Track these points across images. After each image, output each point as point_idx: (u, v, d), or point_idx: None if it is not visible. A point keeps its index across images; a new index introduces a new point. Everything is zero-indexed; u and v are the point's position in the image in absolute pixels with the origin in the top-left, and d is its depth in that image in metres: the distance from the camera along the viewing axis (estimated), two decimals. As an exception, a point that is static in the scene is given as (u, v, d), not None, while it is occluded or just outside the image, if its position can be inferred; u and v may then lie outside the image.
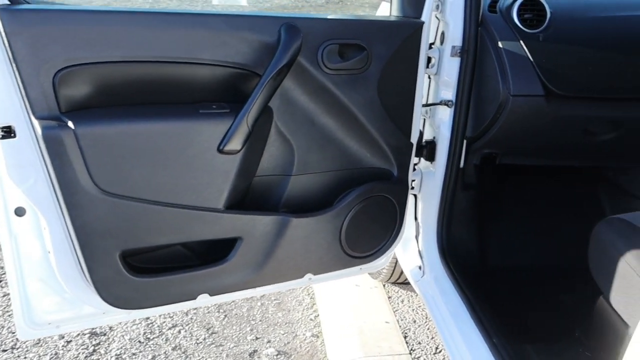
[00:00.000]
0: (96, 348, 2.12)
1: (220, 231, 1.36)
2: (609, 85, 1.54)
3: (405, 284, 2.58)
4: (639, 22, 1.59)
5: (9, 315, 2.27)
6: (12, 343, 2.12)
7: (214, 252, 1.42)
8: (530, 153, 1.83)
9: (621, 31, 1.57)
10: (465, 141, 1.74)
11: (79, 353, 2.09)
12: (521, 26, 1.58)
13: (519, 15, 1.59)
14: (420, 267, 1.83)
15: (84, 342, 2.15)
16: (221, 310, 2.38)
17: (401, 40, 1.48)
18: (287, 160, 1.48)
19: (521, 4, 1.59)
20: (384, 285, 2.58)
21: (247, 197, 1.44)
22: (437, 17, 1.64)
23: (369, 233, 1.60)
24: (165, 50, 1.22)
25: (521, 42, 1.56)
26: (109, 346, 2.13)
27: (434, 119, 1.77)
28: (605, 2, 1.69)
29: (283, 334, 2.26)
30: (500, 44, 1.56)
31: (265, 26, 1.30)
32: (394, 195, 1.62)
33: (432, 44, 1.69)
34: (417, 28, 1.49)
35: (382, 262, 1.72)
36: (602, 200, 2.08)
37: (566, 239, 2.02)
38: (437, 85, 1.73)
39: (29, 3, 1.16)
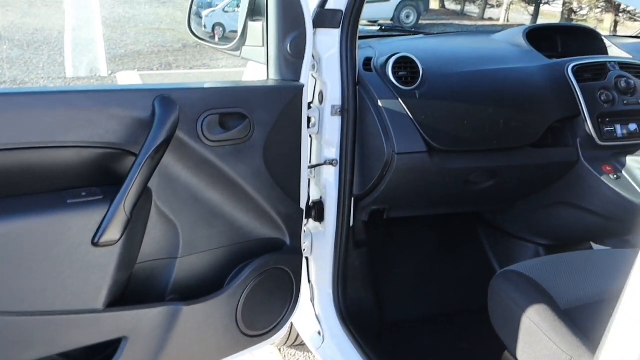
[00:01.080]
0: None
1: (102, 334, 1.19)
2: (483, 138, 1.60)
3: (301, 345, 2.48)
4: (502, 75, 1.68)
5: None
6: None
7: (96, 356, 1.24)
8: (416, 205, 1.86)
9: (488, 84, 1.65)
10: (352, 199, 1.72)
11: None
12: (397, 84, 1.60)
13: (394, 73, 1.61)
14: (319, 333, 1.75)
15: None
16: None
17: (283, 105, 1.43)
18: (171, 242, 1.35)
19: (395, 62, 1.61)
20: (280, 350, 2.46)
21: (128, 289, 1.28)
22: (313, 77, 1.62)
23: (266, 309, 1.50)
24: (21, 135, 1.06)
25: (399, 100, 1.57)
26: None
27: (319, 178, 1.73)
28: (471, 56, 1.77)
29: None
30: (380, 103, 1.57)
31: (137, 100, 1.19)
32: (289, 265, 1.54)
33: (311, 103, 1.66)
34: (297, 92, 1.45)
35: (281, 334, 1.63)
36: (483, 241, 2.16)
37: (456, 283, 2.07)
38: (320, 145, 1.69)
39: None
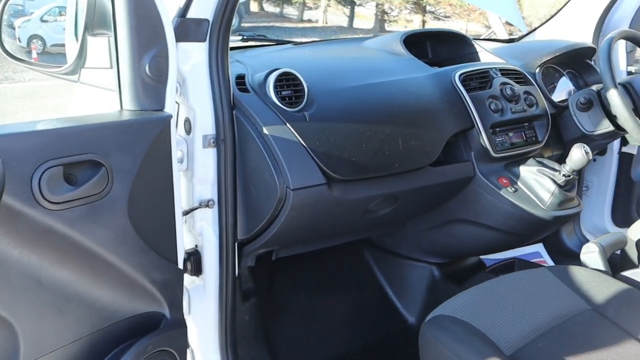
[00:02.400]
0: None
1: None
2: (384, 162, 1.40)
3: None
4: (393, 88, 1.50)
5: None
6: None
7: None
8: (309, 241, 1.62)
9: (381, 99, 1.46)
10: (236, 244, 1.43)
11: None
12: (282, 105, 1.34)
13: (276, 93, 1.35)
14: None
15: None
16: None
17: (148, 143, 1.10)
18: (8, 347, 0.96)
19: (276, 80, 1.35)
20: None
21: None
22: (176, 102, 1.30)
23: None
24: None
25: (288, 125, 1.32)
26: None
27: (194, 224, 1.42)
28: (355, 68, 1.57)
29: None
30: (265, 130, 1.30)
31: None
32: (173, 344, 1.21)
33: (174, 132, 1.33)
34: (164, 124, 1.13)
35: None
36: (371, 265, 1.99)
37: (354, 317, 1.87)
38: (190, 184, 1.38)
39: None
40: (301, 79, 1.37)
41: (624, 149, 2.05)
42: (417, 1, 12.35)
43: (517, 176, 1.61)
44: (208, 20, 1.26)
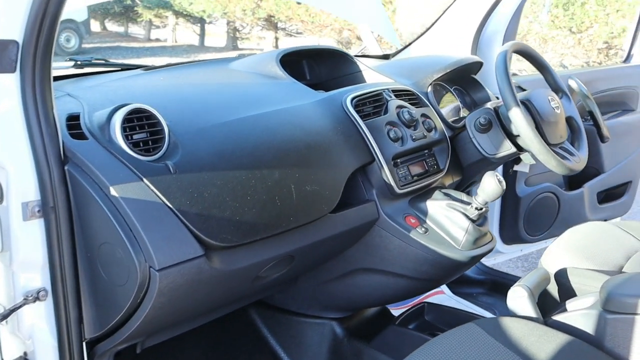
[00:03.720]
0: None
1: None
2: (276, 217, 1.10)
3: None
4: (276, 121, 1.21)
5: None
6: None
7: None
8: (184, 322, 1.26)
9: (264, 137, 1.16)
10: (85, 344, 1.06)
11: None
12: (134, 154, 0.99)
13: (126, 138, 1.00)
14: None
15: None
16: None
17: None
18: None
19: (125, 120, 1.00)
20: None
21: None
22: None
23: None
24: None
25: (145, 180, 0.97)
26: None
27: (19, 324, 1.02)
28: (226, 98, 1.26)
29: None
30: (113, 191, 0.94)
31: None
32: None
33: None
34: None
35: None
36: (260, 327, 1.66)
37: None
38: (10, 270, 0.99)
39: None
40: (158, 116, 1.04)
41: (516, 168, 1.94)
42: (268, 18, 12.23)
43: (426, 213, 1.39)
44: (16, 43, 0.89)
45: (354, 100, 1.37)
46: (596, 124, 1.86)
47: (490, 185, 1.31)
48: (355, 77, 1.66)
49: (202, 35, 14.71)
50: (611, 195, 2.58)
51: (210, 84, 1.34)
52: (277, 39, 13.10)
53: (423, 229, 1.35)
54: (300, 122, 1.24)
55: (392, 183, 1.34)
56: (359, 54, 2.30)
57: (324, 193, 1.19)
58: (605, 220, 2.59)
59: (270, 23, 12.80)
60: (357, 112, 1.36)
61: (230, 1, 11.66)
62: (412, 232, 1.34)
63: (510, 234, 2.27)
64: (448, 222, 1.37)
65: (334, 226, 1.24)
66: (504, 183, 1.32)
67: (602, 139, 1.88)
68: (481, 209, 1.35)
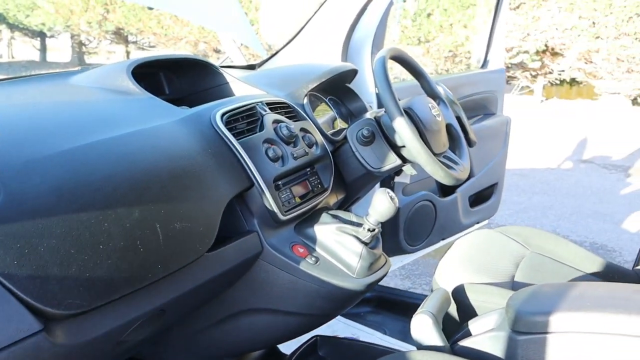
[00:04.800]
0: None
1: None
2: (139, 267, 0.88)
3: None
4: (136, 145, 0.98)
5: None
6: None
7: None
8: None
9: (117, 166, 0.92)
10: None
11: None
12: None
13: None
14: None
15: None
16: None
17: None
18: None
19: None
20: None
21: None
22: None
23: None
24: None
25: None
26: None
27: None
28: (67, 119, 1.00)
29: None
30: None
31: None
32: None
33: None
34: None
35: None
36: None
37: None
38: None
39: None
40: None
41: (397, 179, 1.86)
42: (117, 31, 11.54)
43: (315, 240, 1.23)
44: None
45: (225, 117, 1.18)
46: (463, 129, 1.85)
47: (383, 203, 1.19)
48: (222, 90, 1.47)
49: (42, 50, 13.53)
50: (480, 198, 2.63)
51: (43, 104, 1.08)
52: (128, 52, 12.42)
53: (313, 259, 1.20)
54: (163, 146, 1.02)
55: (275, 209, 1.17)
56: (223, 64, 2.11)
57: (198, 230, 0.98)
58: (478, 222, 2.64)
59: (120, 36, 12.10)
60: (229, 129, 1.17)
61: (73, 13, 10.80)
62: (302, 263, 1.18)
63: (391, 246, 2.20)
64: (340, 248, 1.22)
65: (212, 267, 1.04)
66: (396, 200, 1.21)
67: (470, 143, 1.87)
68: (373, 229, 1.23)
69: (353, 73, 1.72)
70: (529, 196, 4.39)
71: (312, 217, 1.28)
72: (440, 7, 8.30)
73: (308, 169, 1.32)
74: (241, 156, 1.14)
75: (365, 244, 1.23)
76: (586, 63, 8.34)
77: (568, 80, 9.08)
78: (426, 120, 1.42)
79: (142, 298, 0.91)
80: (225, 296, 1.21)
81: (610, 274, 1.53)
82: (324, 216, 1.28)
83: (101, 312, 0.84)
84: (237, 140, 1.16)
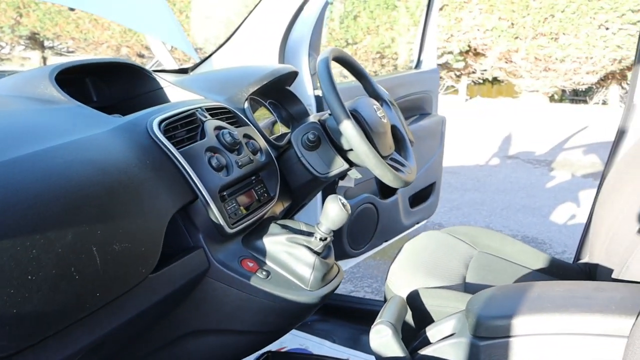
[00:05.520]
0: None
1: None
2: (74, 297, 0.78)
3: None
4: (64, 159, 0.88)
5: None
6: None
7: None
8: None
9: (43, 183, 0.82)
10: None
11: None
12: None
13: None
14: None
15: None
16: None
17: None
18: None
19: None
20: None
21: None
22: None
23: None
24: None
25: None
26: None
27: None
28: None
29: None
30: None
31: None
32: None
33: None
34: None
35: None
36: None
37: None
38: None
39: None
40: None
41: (341, 184, 1.82)
42: (32, 36, 10.94)
43: (264, 253, 1.16)
44: None
45: (163, 124, 1.09)
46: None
47: (334, 210, 1.14)
48: (156, 95, 1.37)
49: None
50: (420, 197, 2.63)
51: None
52: (44, 58, 11.79)
53: (264, 273, 1.13)
54: (96, 159, 0.93)
55: (222, 222, 1.09)
56: (154, 69, 2.00)
57: (139, 250, 0.89)
58: (418, 222, 2.64)
59: (35, 41, 11.47)
60: (168, 138, 1.08)
61: (-20, 17, 10.16)
62: (252, 278, 1.10)
63: (335, 252, 2.15)
64: (291, 259, 1.16)
65: (156, 290, 0.95)
66: (348, 206, 1.16)
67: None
68: (325, 238, 1.18)
69: (294, 75, 1.66)
70: (462, 193, 4.49)
71: (260, 228, 1.21)
72: (366, 10, 8.39)
73: (253, 178, 1.25)
74: (183, 167, 1.06)
75: (318, 253, 1.18)
76: (507, 62, 8.66)
77: (490, 79, 9.41)
78: (372, 123, 1.38)
79: (79, 332, 0.81)
80: (170, 318, 1.12)
81: (555, 269, 1.55)
82: (273, 227, 1.21)
83: (31, 353, 0.74)
84: (178, 149, 1.07)
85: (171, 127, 1.11)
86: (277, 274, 1.15)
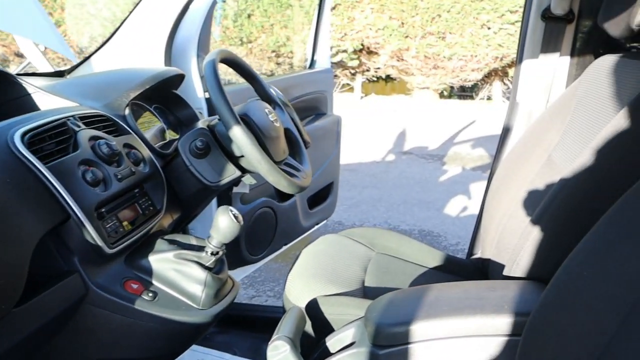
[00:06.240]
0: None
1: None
2: None
3: None
4: None
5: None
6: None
7: None
8: None
9: None
10: None
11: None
12: None
13: None
14: None
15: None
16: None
17: None
18: None
19: None
20: None
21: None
22: None
23: None
24: None
25: None
26: None
27: None
28: None
29: None
30: None
31: None
32: None
33: None
34: None
35: None
36: None
37: None
38: None
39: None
40: None
41: (236, 190, 1.75)
42: None
43: (150, 273, 1.07)
44: None
45: (27, 137, 0.97)
46: (298, 131, 1.80)
47: (224, 222, 1.08)
48: (22, 103, 1.24)
49: None
50: (318, 198, 2.62)
51: None
52: None
53: (150, 294, 1.04)
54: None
55: (100, 242, 0.99)
56: (22, 72, 1.82)
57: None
58: (317, 223, 2.63)
59: None
60: (34, 152, 0.97)
61: None
62: (137, 301, 1.02)
63: (232, 259, 2.08)
64: (180, 278, 1.08)
65: (23, 325, 0.84)
66: (240, 218, 1.10)
67: (305, 145, 1.83)
68: (217, 252, 1.11)
69: (180, 78, 1.57)
70: (360, 190, 4.55)
71: (145, 245, 1.12)
72: (260, 8, 8.32)
73: (136, 190, 1.15)
74: (51, 184, 0.95)
75: (209, 269, 1.11)
76: (398, 61, 8.93)
77: (384, 77, 9.66)
78: (264, 127, 1.32)
79: None
80: (45, 352, 1.01)
81: (451, 266, 1.58)
82: (160, 243, 1.13)
83: None
84: (45, 164, 0.96)
85: (37, 139, 0.99)
86: (165, 294, 1.06)
